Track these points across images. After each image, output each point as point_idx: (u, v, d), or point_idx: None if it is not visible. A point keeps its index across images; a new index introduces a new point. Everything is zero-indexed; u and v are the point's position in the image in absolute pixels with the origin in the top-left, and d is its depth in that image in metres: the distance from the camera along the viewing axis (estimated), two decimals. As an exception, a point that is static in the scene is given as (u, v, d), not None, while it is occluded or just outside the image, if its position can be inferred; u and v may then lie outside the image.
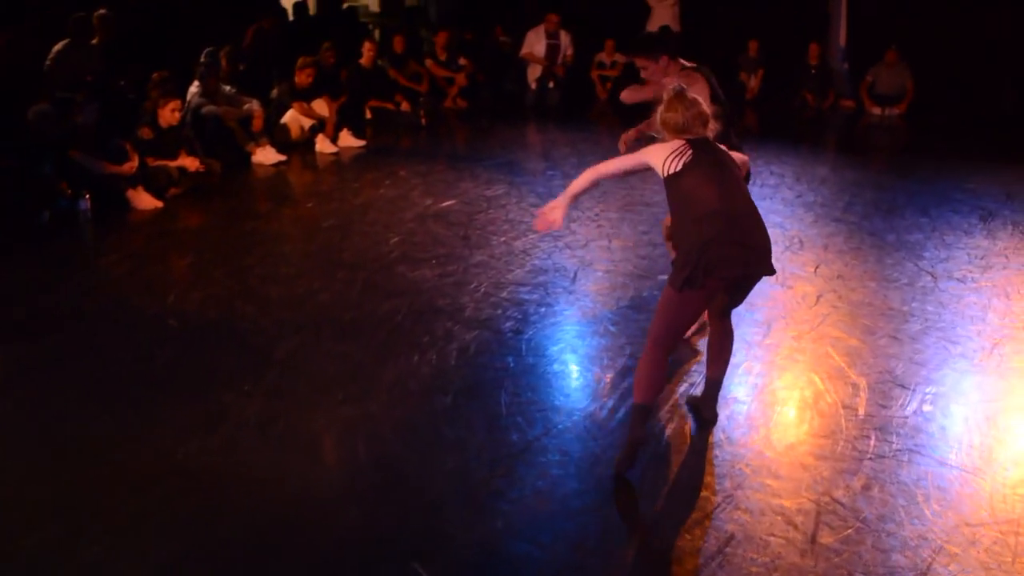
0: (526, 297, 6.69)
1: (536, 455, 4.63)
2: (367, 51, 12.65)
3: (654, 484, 4.45)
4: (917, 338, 6.17)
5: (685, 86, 4.81)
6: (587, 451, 4.71)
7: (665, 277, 7.02)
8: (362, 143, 11.53)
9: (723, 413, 5.09)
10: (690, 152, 4.56)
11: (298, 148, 11.14)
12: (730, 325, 4.96)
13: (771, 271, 4.63)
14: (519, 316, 6.33)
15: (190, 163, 9.17)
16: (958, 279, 7.30)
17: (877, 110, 14.87)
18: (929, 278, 7.29)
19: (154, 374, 5.42)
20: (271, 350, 5.72)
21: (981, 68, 14.89)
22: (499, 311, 6.41)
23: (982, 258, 7.83)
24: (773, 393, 5.35)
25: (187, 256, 7.48)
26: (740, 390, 5.36)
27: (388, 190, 9.44)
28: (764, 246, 4.64)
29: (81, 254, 7.67)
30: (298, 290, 6.71)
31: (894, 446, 4.79)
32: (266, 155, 10.45)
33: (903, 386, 5.46)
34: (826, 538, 4.02)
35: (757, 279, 4.69)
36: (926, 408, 5.20)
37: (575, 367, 5.63)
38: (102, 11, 11.03)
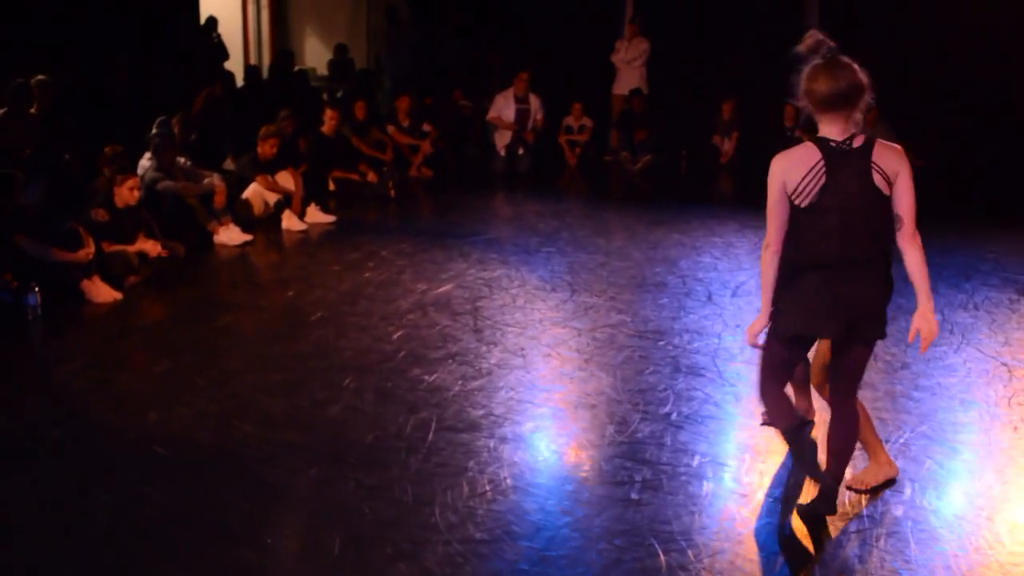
0: (571, 399, 5.78)
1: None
2: (329, 119, 11.72)
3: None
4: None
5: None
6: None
7: (720, 371, 6.10)
8: (331, 219, 10.57)
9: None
10: None
11: (261, 226, 10.12)
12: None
13: None
14: (571, 428, 5.40)
15: (151, 247, 8.13)
16: (1032, 368, 6.56)
17: None
18: (1001, 368, 6.53)
19: (146, 524, 4.38)
20: (287, 486, 4.71)
21: (961, 123, 14.39)
22: (546, 423, 5.48)
23: (1045, 340, 7.13)
24: (897, 540, 4.47)
25: (161, 360, 6.41)
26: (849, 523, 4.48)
27: (374, 274, 8.47)
28: None
29: (33, 361, 6.59)
30: (302, 402, 5.71)
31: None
32: (230, 235, 9.43)
33: (1041, 511, 4.65)
34: None
35: None
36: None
37: (663, 499, 4.70)
38: (41, 77, 9.97)
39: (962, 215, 11.92)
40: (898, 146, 4.06)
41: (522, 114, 14.08)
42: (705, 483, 4.84)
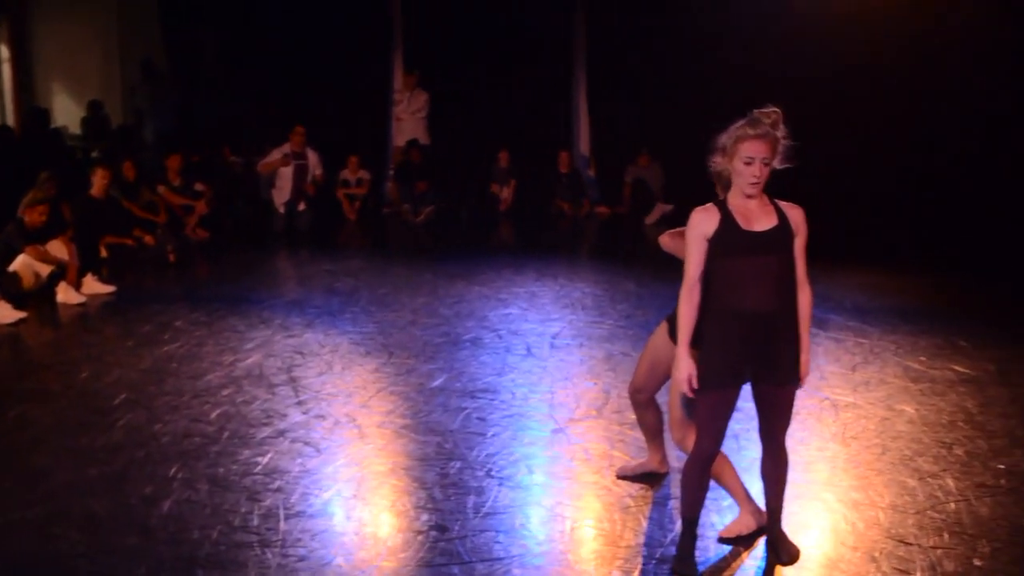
0: (420, 470, 5.49)
1: None
2: (100, 179, 10.95)
3: None
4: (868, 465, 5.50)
5: None
6: None
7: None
8: (110, 289, 9.83)
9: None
10: None
11: (34, 300, 9.30)
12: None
13: None
14: (430, 504, 5.11)
15: (-84, 334, 7.30)
16: (853, 403, 6.78)
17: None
18: (825, 403, 6.73)
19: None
20: (136, 600, 4.21)
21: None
22: (403, 499, 5.18)
23: (855, 371, 7.39)
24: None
25: (-48, 464, 5.69)
26: None
27: (173, 347, 7.90)
28: None
29: None
30: (129, 499, 5.16)
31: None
32: (1, 313, 8.59)
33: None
34: None
35: None
36: None
37: (547, 573, 4.48)
38: None
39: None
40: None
41: (300, 169, 13.65)
42: (583, 550, 4.67)
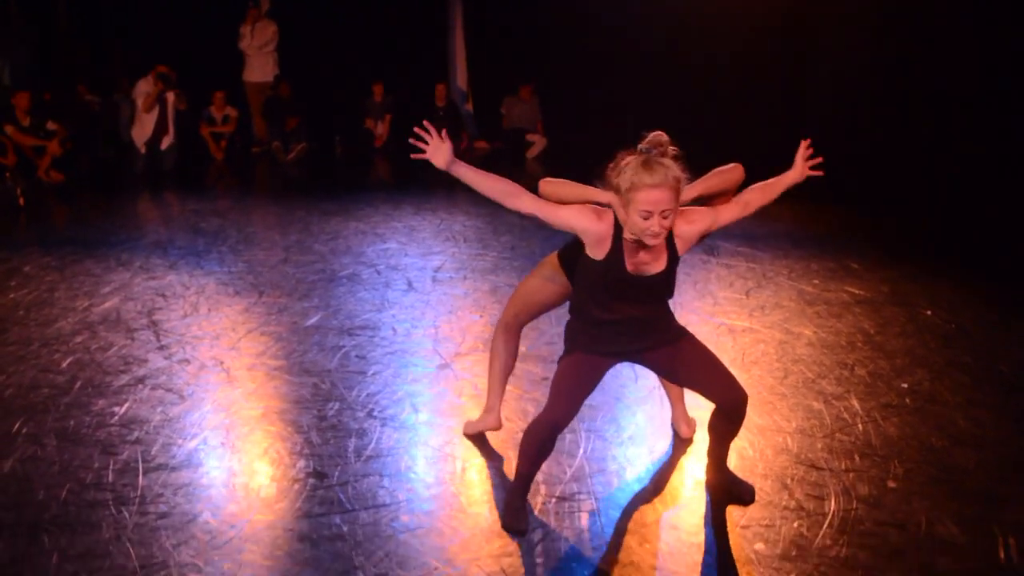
0: (295, 412, 5.03)
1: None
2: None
3: None
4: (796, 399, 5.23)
5: None
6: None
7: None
8: (-49, 236, 9.07)
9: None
10: None
11: None
12: None
13: None
14: (306, 449, 4.66)
15: None
16: (750, 327, 6.53)
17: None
18: (722, 328, 6.46)
19: None
20: (-31, 571, 3.68)
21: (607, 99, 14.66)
22: (276, 445, 4.71)
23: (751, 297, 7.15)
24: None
25: None
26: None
27: (20, 294, 7.23)
28: None
29: None
30: (-36, 459, 4.60)
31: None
32: None
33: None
34: None
35: None
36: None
37: (437, 519, 4.09)
38: None
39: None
40: None
41: (160, 105, 12.84)
42: (475, 491, 4.31)
